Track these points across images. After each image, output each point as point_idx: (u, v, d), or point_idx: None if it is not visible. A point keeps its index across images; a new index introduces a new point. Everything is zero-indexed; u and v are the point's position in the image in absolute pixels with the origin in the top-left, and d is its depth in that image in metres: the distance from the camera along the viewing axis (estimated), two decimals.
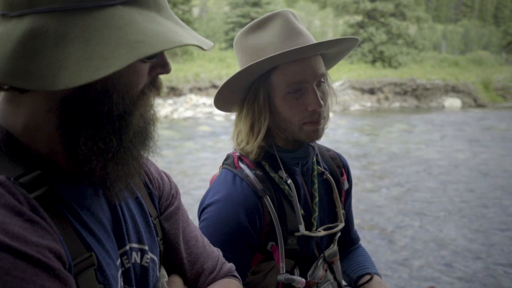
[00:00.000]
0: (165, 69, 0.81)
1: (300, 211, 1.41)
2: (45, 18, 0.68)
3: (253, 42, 1.37)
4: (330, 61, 1.50)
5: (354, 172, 9.86)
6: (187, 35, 0.75)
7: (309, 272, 1.44)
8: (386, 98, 26.15)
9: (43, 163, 0.76)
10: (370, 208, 7.71)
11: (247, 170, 1.40)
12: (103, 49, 0.67)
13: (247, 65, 1.33)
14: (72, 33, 0.68)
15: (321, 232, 1.45)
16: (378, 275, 1.62)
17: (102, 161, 0.76)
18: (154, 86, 0.82)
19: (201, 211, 1.40)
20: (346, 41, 1.39)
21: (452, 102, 26.50)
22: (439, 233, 6.59)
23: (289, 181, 1.41)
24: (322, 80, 1.38)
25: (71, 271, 0.71)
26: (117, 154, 0.77)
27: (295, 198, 1.40)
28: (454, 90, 27.35)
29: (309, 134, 1.39)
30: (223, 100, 1.44)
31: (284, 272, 1.37)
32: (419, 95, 26.82)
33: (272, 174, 1.42)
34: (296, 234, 1.39)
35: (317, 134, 1.39)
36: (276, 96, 1.37)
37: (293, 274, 1.40)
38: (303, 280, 1.37)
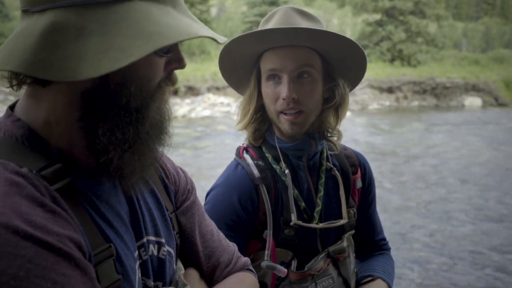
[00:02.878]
0: (180, 64, 0.84)
1: (293, 202, 1.43)
2: (65, 12, 0.70)
3: None
4: (346, 72, 1.49)
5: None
6: (201, 28, 0.78)
7: (308, 264, 1.46)
8: (405, 97, 25.90)
9: (63, 158, 0.78)
10: (388, 207, 7.66)
11: (249, 160, 1.48)
12: (121, 41, 0.70)
13: (228, 40, 1.35)
14: (91, 27, 0.70)
15: (318, 225, 1.47)
16: (386, 282, 1.58)
17: (119, 152, 0.78)
18: (170, 81, 0.85)
19: (205, 197, 1.49)
20: (323, 35, 1.36)
21: (473, 101, 26.12)
22: (458, 233, 6.52)
23: (287, 171, 1.45)
24: (304, 72, 1.39)
25: (91, 261, 0.74)
26: (134, 145, 0.79)
27: (290, 188, 1.44)
28: (474, 88, 26.95)
29: (284, 126, 1.42)
30: (234, 83, 1.57)
31: (269, 259, 1.39)
32: (438, 94, 26.50)
33: (274, 166, 1.48)
34: (290, 224, 1.42)
35: (293, 127, 1.41)
36: (262, 82, 1.46)
37: (290, 265, 1.43)
38: (285, 269, 1.38)
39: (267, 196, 1.42)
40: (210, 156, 11.66)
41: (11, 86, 0.78)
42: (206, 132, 15.31)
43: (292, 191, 1.44)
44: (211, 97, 21.16)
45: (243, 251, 1.40)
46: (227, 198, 1.42)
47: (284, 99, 1.38)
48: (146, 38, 0.70)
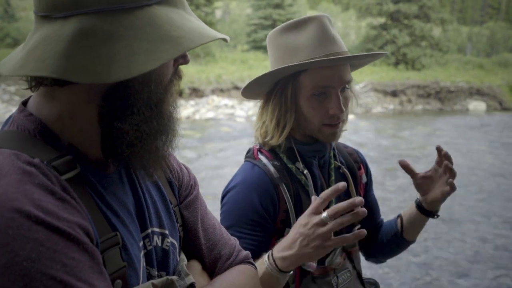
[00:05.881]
0: (185, 59, 0.90)
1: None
2: (91, 18, 0.74)
3: (288, 41, 1.45)
4: (355, 67, 1.60)
5: (375, 175, 9.79)
6: (213, 30, 0.85)
7: (327, 259, 1.50)
8: (409, 101, 25.90)
9: (72, 151, 0.82)
10: (392, 210, 7.67)
11: (266, 161, 1.50)
12: (149, 45, 0.75)
13: (281, 66, 1.42)
14: (118, 31, 0.75)
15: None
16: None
17: (147, 143, 0.85)
18: (177, 75, 0.91)
19: (222, 198, 1.51)
20: (378, 55, 1.50)
21: (477, 105, 26.09)
22: (459, 237, 6.53)
23: (306, 171, 1.50)
24: (347, 86, 1.48)
25: (98, 247, 0.77)
26: (158, 135, 0.86)
27: (311, 187, 1.48)
28: (478, 93, 26.92)
29: (327, 136, 1.49)
30: (250, 91, 1.53)
31: None
32: (442, 97, 26.48)
33: (290, 165, 1.51)
34: None
35: (334, 136, 1.50)
36: (301, 96, 1.46)
37: None
38: (314, 264, 1.43)
39: (288, 194, 1.45)
40: (214, 158, 11.70)
41: (30, 87, 0.82)
42: (210, 134, 15.36)
43: (313, 189, 1.49)
44: (215, 99, 21.23)
45: (266, 248, 1.44)
46: (247, 198, 1.43)
47: (335, 113, 1.43)
48: (173, 42, 0.76)
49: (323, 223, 1.19)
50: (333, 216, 1.18)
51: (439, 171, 1.55)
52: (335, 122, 1.46)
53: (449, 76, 27.93)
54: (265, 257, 1.31)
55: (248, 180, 1.46)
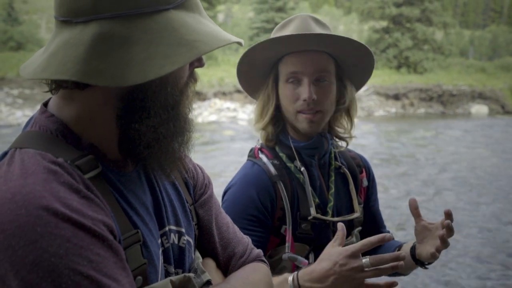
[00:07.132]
0: (201, 63, 0.92)
1: (312, 197, 1.51)
2: (110, 23, 0.76)
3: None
4: (352, 75, 1.59)
5: (378, 178, 9.79)
6: (228, 34, 0.86)
7: None
8: (411, 104, 25.91)
9: (93, 150, 0.84)
10: (394, 214, 7.67)
11: (265, 159, 1.55)
12: (165, 49, 0.77)
13: (251, 46, 1.50)
14: (135, 36, 0.77)
15: (334, 218, 1.54)
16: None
17: (164, 145, 0.86)
18: (193, 78, 0.93)
19: (222, 196, 1.55)
20: (342, 41, 1.47)
21: (479, 109, 26.09)
22: (463, 239, 6.53)
23: (302, 169, 1.54)
24: (323, 76, 1.49)
25: (120, 244, 0.79)
26: (174, 137, 0.88)
27: (307, 184, 1.52)
28: (481, 96, 26.93)
29: (302, 124, 1.51)
30: (249, 87, 1.63)
31: (289, 251, 1.47)
32: (445, 101, 26.49)
33: (289, 164, 1.55)
34: (309, 218, 1.49)
35: (311, 125, 1.50)
36: (280, 84, 1.54)
37: (307, 258, 1.49)
38: (305, 260, 1.46)
39: (285, 192, 1.49)
40: (216, 161, 11.71)
41: (51, 90, 0.84)
42: (212, 137, 15.37)
43: (309, 187, 1.52)
44: (218, 102, 21.27)
45: (265, 245, 1.47)
46: (246, 193, 1.49)
47: (305, 100, 1.47)
48: (189, 46, 0.78)
49: (362, 269, 1.19)
50: (375, 265, 1.18)
51: (439, 229, 1.42)
52: (309, 111, 1.48)
53: (451, 80, 27.96)
54: (289, 278, 1.31)
55: (248, 177, 1.52)
